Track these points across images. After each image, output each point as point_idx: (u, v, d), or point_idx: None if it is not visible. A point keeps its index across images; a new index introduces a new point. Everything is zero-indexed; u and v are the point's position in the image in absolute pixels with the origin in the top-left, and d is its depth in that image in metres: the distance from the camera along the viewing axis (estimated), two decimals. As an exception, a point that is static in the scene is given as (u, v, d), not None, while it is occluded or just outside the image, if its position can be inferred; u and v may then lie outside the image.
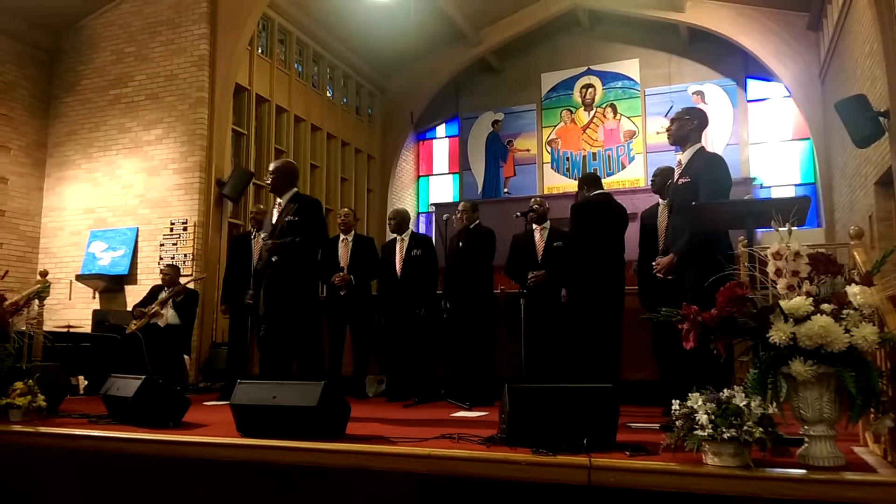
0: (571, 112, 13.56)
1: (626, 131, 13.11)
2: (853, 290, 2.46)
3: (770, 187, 12.03)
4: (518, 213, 5.69)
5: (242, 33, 8.82)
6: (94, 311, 7.87)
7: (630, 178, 12.87)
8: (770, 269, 2.58)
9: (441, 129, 14.86)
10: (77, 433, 3.56)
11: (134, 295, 8.01)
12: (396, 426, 3.81)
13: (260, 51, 10.56)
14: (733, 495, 2.35)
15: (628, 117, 13.12)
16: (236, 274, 6.17)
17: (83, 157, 9.10)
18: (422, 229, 14.13)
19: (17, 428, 3.73)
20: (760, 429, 2.36)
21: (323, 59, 12.23)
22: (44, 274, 5.04)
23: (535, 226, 5.73)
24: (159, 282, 6.88)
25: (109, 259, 8.58)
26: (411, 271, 5.77)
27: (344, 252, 6.04)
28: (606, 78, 13.34)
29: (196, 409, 4.35)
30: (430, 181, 14.93)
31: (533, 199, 5.87)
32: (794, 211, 2.76)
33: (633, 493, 2.49)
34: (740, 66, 12.27)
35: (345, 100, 12.95)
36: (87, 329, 7.47)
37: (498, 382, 4.01)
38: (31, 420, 3.87)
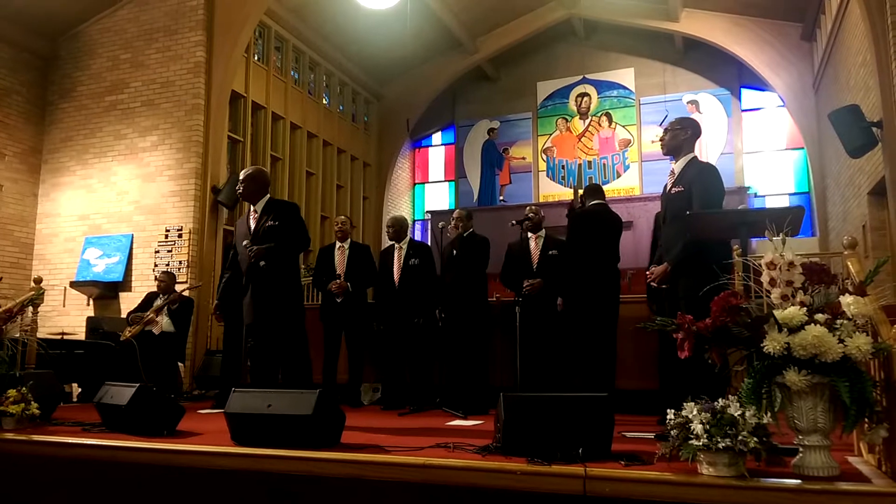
0: (567, 120, 13.62)
1: (621, 140, 13.17)
2: (847, 301, 2.47)
3: (764, 196, 12.09)
4: (513, 222, 5.70)
5: (239, 40, 8.84)
6: (89, 318, 7.84)
7: (625, 186, 12.92)
8: (764, 278, 2.59)
9: (437, 137, 14.90)
10: (70, 441, 3.54)
11: (128, 302, 7.98)
12: (391, 435, 3.80)
13: (256, 58, 10.58)
14: (728, 505, 2.35)
15: (623, 126, 13.18)
16: (231, 282, 6.15)
17: (78, 164, 9.09)
18: (417, 237, 14.15)
19: (10, 436, 3.71)
20: (755, 439, 2.36)
21: (319, 67, 12.26)
22: (38, 281, 5.03)
23: (530, 234, 5.73)
24: (154, 289, 6.86)
25: (104, 266, 8.55)
26: (409, 280, 5.76)
27: (340, 259, 6.03)
28: (602, 87, 13.41)
29: (190, 417, 4.33)
30: (426, 189, 14.95)
31: (528, 208, 5.87)
32: (788, 221, 2.77)
33: (629, 503, 2.49)
34: (734, 76, 12.35)
35: (341, 107, 12.98)
36: (81, 336, 7.44)
37: (493, 391, 4.00)
38: (24, 428, 3.85)
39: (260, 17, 9.49)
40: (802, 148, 11.36)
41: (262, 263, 4.23)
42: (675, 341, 2.65)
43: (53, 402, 4.44)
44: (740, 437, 2.35)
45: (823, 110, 9.02)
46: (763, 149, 12.37)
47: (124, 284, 8.47)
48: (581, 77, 13.54)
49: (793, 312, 2.44)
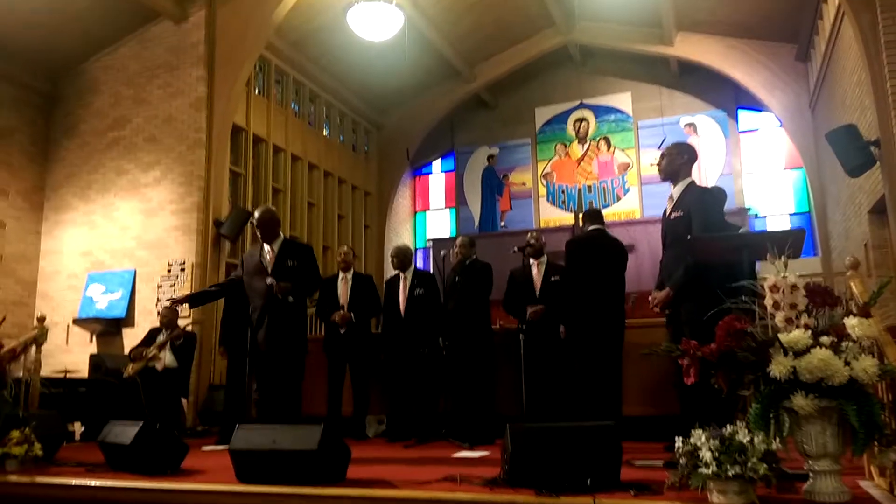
0: (565, 145, 13.69)
1: (620, 164, 13.22)
2: (851, 322, 2.46)
3: (765, 217, 12.10)
4: (515, 249, 5.71)
5: (240, 75, 8.93)
6: (91, 356, 7.82)
7: (625, 209, 12.94)
8: (767, 301, 2.59)
9: (437, 165, 14.97)
10: (73, 483, 3.50)
11: (131, 338, 7.97)
12: (398, 468, 3.77)
13: (257, 91, 10.69)
14: (740, 534, 2.32)
15: (622, 150, 13.25)
16: (234, 315, 6.13)
17: (81, 200, 9.14)
18: (419, 265, 14.14)
19: (14, 479, 3.68)
20: (765, 465, 2.33)
21: (319, 98, 12.38)
22: (41, 319, 5.01)
23: (532, 260, 5.73)
24: (157, 324, 6.85)
25: (107, 302, 8.56)
26: (415, 309, 5.75)
27: (343, 290, 6.03)
28: (599, 111, 13.50)
29: (195, 454, 4.29)
30: (427, 216, 14.99)
31: (529, 234, 5.88)
32: (790, 244, 2.77)
33: (639, 534, 2.45)
34: (731, 98, 12.43)
35: (341, 137, 13.07)
36: (85, 373, 7.42)
37: (499, 420, 3.98)
38: (27, 469, 3.82)
39: (260, 51, 9.60)
40: (801, 167, 11.39)
41: (290, 299, 4.52)
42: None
43: (57, 442, 4.41)
44: (750, 465, 2.32)
45: (821, 130, 9.06)
46: (762, 169, 12.41)
47: (127, 320, 8.47)
48: (579, 102, 13.65)
49: (798, 336, 2.43)
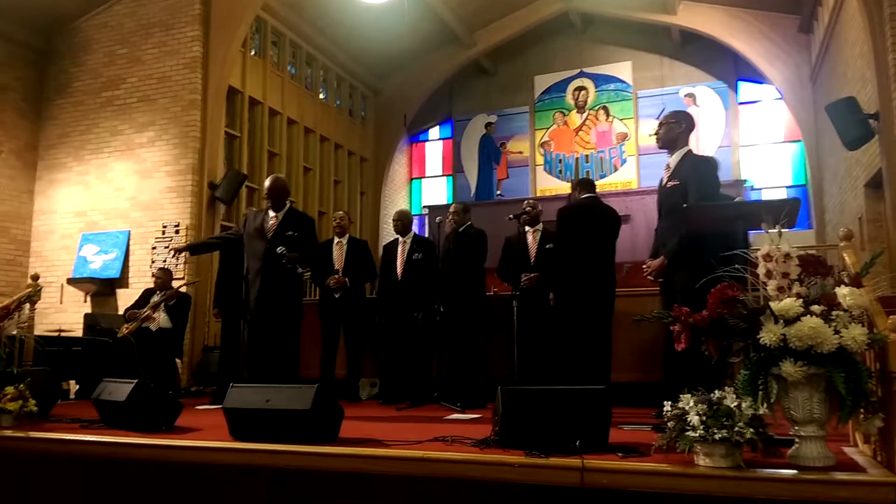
0: (564, 114, 13.60)
1: (619, 133, 13.16)
2: (843, 292, 2.48)
3: (761, 189, 12.09)
4: (511, 216, 5.71)
5: (235, 35, 8.80)
6: (86, 315, 7.84)
7: (623, 180, 12.91)
8: (760, 270, 2.60)
9: (434, 132, 14.87)
10: (69, 438, 3.54)
11: (125, 298, 7.98)
12: (390, 429, 3.81)
13: (253, 53, 10.55)
14: (725, 496, 2.36)
15: (621, 119, 13.17)
16: (229, 277, 6.14)
17: (75, 160, 9.07)
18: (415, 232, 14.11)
19: (8, 433, 3.71)
20: (751, 430, 2.37)
21: (316, 62, 12.23)
22: (35, 277, 5.01)
23: (527, 228, 5.74)
24: (151, 285, 6.86)
25: (101, 262, 8.55)
26: (412, 274, 5.76)
27: (339, 255, 6.03)
28: (599, 80, 13.39)
29: (188, 413, 4.34)
30: (424, 183, 14.93)
31: (525, 202, 5.88)
32: (784, 213, 2.77)
33: (626, 495, 2.50)
34: (732, 69, 12.33)
35: (338, 102, 12.96)
36: (79, 333, 7.44)
37: (491, 384, 4.01)
38: (22, 425, 3.85)
39: (256, 11, 9.46)
40: (800, 140, 11.36)
41: (298, 269, 4.70)
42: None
43: (51, 400, 4.44)
44: (736, 429, 2.36)
45: (821, 103, 9.02)
46: (760, 142, 12.36)
47: (121, 281, 8.47)
48: (578, 71, 13.52)
49: (789, 304, 2.45)
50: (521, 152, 13.89)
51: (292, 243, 4.62)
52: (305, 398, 3.19)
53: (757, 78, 11.78)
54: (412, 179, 14.98)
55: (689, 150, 3.97)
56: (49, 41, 9.45)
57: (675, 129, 3.96)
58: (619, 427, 3.57)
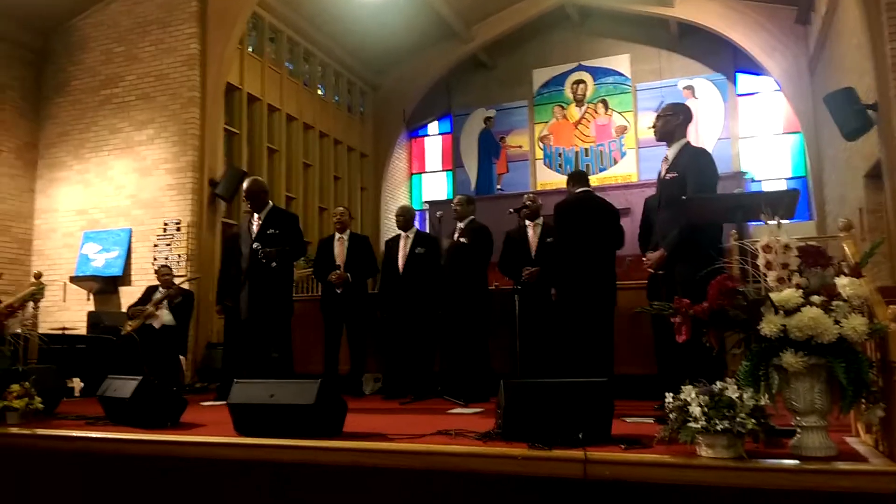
0: (563, 108, 13.59)
1: (618, 126, 13.15)
2: (842, 282, 2.49)
3: (761, 181, 12.09)
4: (511, 210, 5.71)
5: (233, 32, 8.80)
6: (89, 313, 7.86)
7: (622, 173, 12.91)
8: (760, 261, 2.61)
9: (433, 127, 14.87)
10: (74, 435, 3.56)
11: (128, 296, 7.99)
12: (393, 423, 3.83)
13: (251, 49, 10.54)
14: (727, 486, 2.38)
15: (619, 112, 13.16)
16: (231, 273, 6.16)
17: (75, 159, 9.07)
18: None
19: (15, 430, 3.73)
20: (753, 420, 2.38)
21: (314, 58, 12.22)
22: (38, 276, 5.02)
23: (528, 222, 5.74)
24: (154, 283, 6.87)
25: (103, 260, 8.56)
26: (413, 269, 5.77)
27: (340, 250, 6.04)
28: (597, 73, 13.38)
29: (193, 410, 4.36)
30: (423, 179, 14.94)
31: (526, 196, 5.88)
32: (784, 204, 2.78)
33: (629, 486, 2.52)
34: (730, 61, 12.32)
35: (336, 98, 12.95)
36: (83, 331, 7.46)
37: (493, 378, 4.03)
38: (27, 422, 3.87)
39: (253, 8, 9.44)
40: (799, 132, 11.35)
41: (273, 265, 4.74)
42: (671, 326, 2.67)
43: (56, 397, 4.46)
44: (738, 419, 2.37)
45: (819, 93, 9.01)
46: (759, 133, 12.36)
47: (124, 279, 8.48)
48: (577, 64, 13.51)
49: (789, 295, 2.46)
50: (520, 146, 13.89)
51: (275, 241, 4.76)
52: (309, 393, 3.20)
53: (755, 69, 11.77)
54: (412, 175, 14.99)
55: (688, 143, 3.97)
56: (46, 40, 9.44)
57: (673, 121, 3.96)
58: (621, 419, 3.59)
